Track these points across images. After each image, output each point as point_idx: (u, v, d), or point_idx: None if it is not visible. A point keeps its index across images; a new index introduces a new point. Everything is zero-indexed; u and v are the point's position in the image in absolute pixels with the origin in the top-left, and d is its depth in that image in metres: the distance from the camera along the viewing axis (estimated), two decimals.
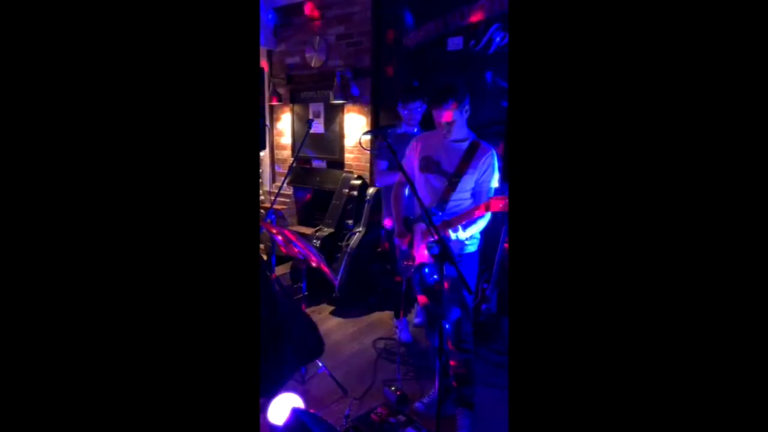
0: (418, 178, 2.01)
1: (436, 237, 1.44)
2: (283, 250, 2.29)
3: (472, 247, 1.96)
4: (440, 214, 1.90)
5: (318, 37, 3.82)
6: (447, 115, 1.85)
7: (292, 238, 2.15)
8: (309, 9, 3.85)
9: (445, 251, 1.42)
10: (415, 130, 2.66)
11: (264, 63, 4.30)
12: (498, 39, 2.95)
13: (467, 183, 1.87)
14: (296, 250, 2.18)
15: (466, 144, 1.91)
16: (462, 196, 1.89)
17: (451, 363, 2.00)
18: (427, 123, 2.42)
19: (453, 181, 1.88)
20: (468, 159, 1.87)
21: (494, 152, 1.89)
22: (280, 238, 2.25)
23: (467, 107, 1.89)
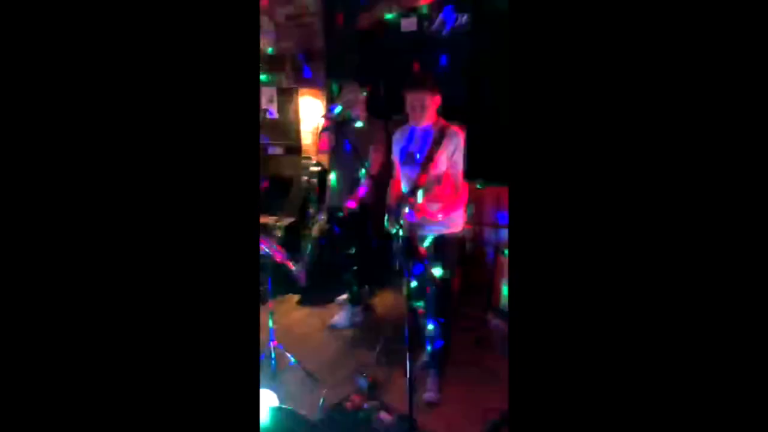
0: (401, 170, 2.14)
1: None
2: None
3: (453, 228, 2.06)
4: (411, 211, 1.98)
5: (266, 18, 3.65)
6: (420, 99, 1.92)
7: None
8: None
9: (413, 248, 1.47)
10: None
11: None
12: (452, 20, 2.94)
13: (439, 167, 1.98)
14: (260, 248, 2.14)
15: (435, 129, 2.00)
16: (434, 179, 2.00)
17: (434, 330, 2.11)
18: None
19: (424, 166, 1.99)
20: (437, 143, 1.98)
21: (460, 135, 1.97)
22: None
23: (438, 94, 1.97)
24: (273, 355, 2.29)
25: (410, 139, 2.07)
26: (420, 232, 2.04)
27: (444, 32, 2.96)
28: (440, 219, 1.95)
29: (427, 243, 2.04)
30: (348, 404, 2.07)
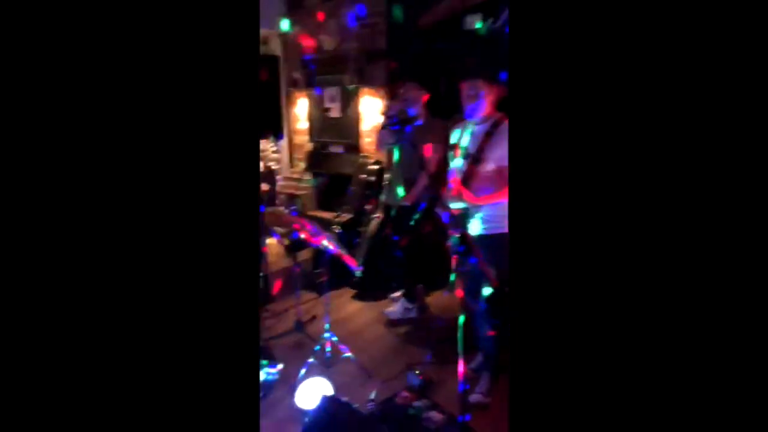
0: (454, 165, 2.11)
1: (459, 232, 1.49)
2: (306, 239, 2.34)
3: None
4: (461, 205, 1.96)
5: (332, 20, 3.76)
6: (474, 88, 1.90)
7: (312, 228, 2.20)
8: None
9: (468, 246, 1.45)
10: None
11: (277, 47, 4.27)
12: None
13: (489, 161, 1.93)
14: (316, 240, 2.23)
15: (489, 123, 1.96)
16: (485, 174, 1.95)
17: (489, 333, 2.09)
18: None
19: (476, 159, 1.96)
20: (489, 137, 1.93)
21: None
22: (300, 231, 2.29)
23: (496, 86, 1.93)
24: (328, 347, 2.37)
25: (466, 133, 2.06)
26: (465, 216, 2.01)
27: (507, 30, 2.89)
28: (476, 204, 1.92)
29: (471, 230, 1.99)
30: (399, 400, 2.09)
